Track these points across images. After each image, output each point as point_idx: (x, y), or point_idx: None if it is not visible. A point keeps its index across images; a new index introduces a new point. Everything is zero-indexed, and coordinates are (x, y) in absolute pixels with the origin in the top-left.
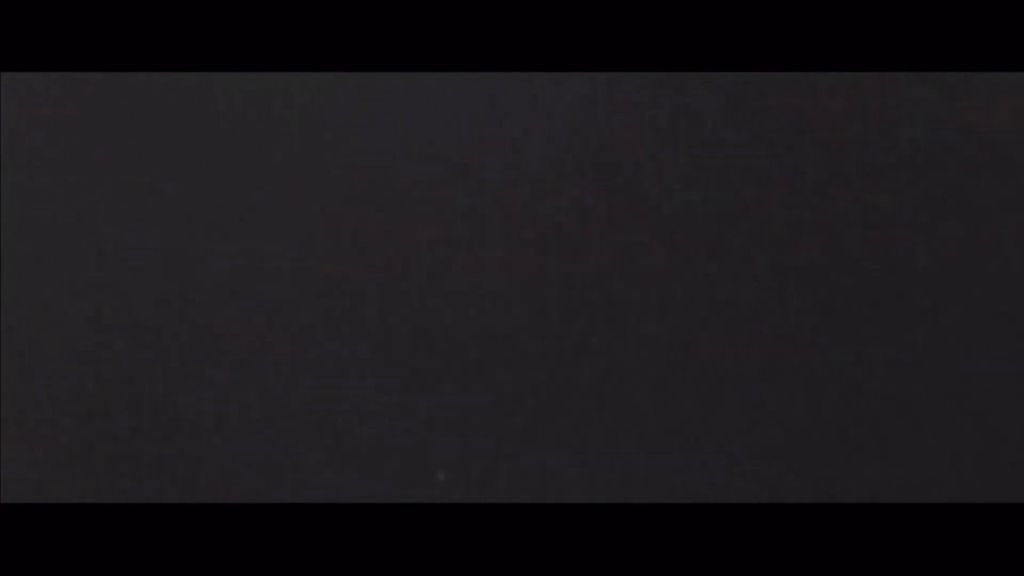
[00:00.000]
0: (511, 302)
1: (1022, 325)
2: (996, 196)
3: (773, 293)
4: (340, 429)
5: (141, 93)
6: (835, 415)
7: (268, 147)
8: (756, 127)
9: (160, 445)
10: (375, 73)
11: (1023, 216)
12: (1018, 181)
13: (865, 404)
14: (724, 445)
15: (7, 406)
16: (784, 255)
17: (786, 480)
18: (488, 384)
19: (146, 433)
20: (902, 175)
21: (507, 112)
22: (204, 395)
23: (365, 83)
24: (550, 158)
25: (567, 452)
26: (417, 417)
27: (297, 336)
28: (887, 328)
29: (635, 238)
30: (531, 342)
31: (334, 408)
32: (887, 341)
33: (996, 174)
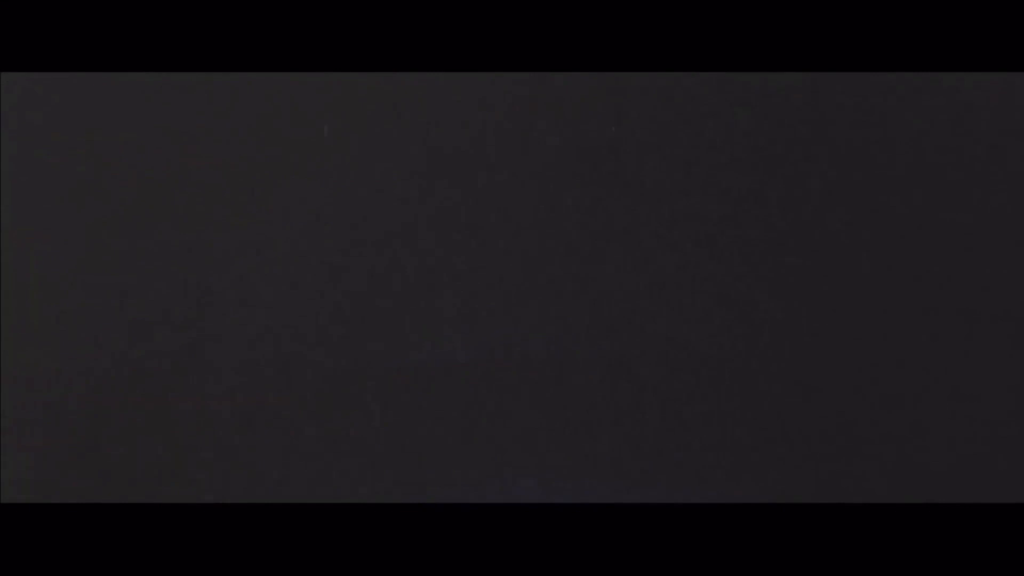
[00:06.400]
0: (510, 301)
1: (1022, 325)
2: (996, 196)
3: (773, 292)
4: (340, 429)
5: (141, 93)
6: (834, 415)
7: (267, 147)
8: (756, 127)
9: (160, 445)
10: (375, 73)
11: (1023, 216)
12: (1018, 181)
13: (865, 404)
14: (724, 445)
15: (7, 406)
16: (784, 254)
17: (786, 480)
18: (489, 386)
19: (146, 433)
20: (902, 175)
21: (507, 112)
22: (204, 396)
23: (365, 83)
24: (550, 158)
25: (567, 453)
26: (416, 418)
27: (297, 336)
28: (887, 328)
29: (635, 237)
30: (530, 342)
31: (334, 408)
32: (887, 341)
33: (996, 174)
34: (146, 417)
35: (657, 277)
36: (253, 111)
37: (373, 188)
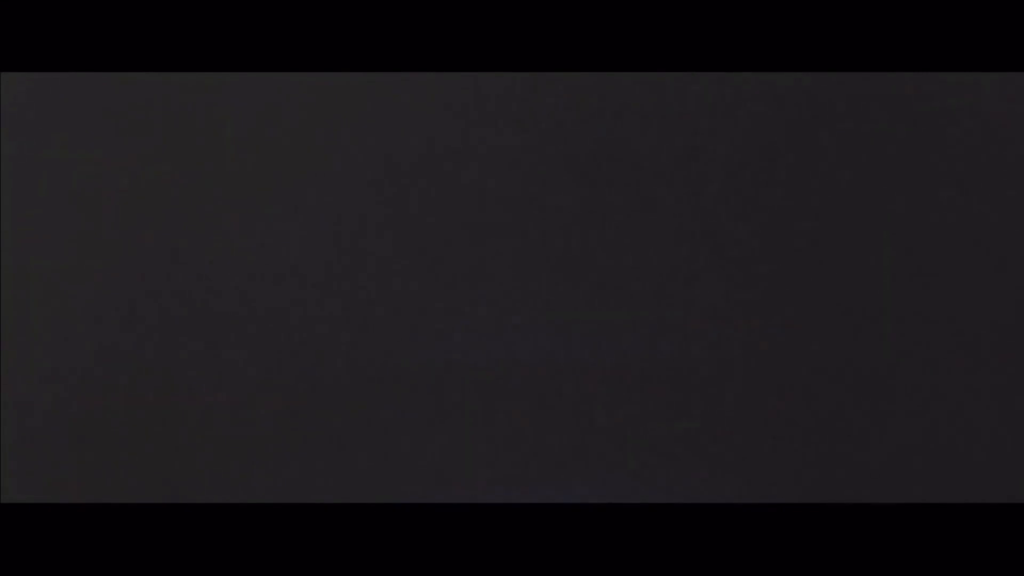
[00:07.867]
0: (510, 302)
1: (1022, 325)
2: (996, 196)
3: (772, 294)
4: (340, 429)
5: (141, 93)
6: (834, 414)
7: (268, 147)
8: (756, 127)
9: (160, 445)
10: (375, 73)
11: (1023, 216)
12: (1018, 181)
13: (865, 404)
14: (723, 445)
15: (7, 406)
16: (783, 255)
17: (786, 480)
18: (490, 388)
19: (146, 433)
20: (902, 175)
21: (506, 112)
22: (205, 395)
23: (365, 83)
24: (550, 158)
25: (567, 453)
26: (416, 418)
27: (298, 336)
28: (886, 328)
29: (634, 238)
30: (530, 342)
31: (334, 409)
32: (886, 341)
33: (996, 174)
34: (146, 416)
35: (660, 277)
36: (253, 111)
37: (375, 188)
